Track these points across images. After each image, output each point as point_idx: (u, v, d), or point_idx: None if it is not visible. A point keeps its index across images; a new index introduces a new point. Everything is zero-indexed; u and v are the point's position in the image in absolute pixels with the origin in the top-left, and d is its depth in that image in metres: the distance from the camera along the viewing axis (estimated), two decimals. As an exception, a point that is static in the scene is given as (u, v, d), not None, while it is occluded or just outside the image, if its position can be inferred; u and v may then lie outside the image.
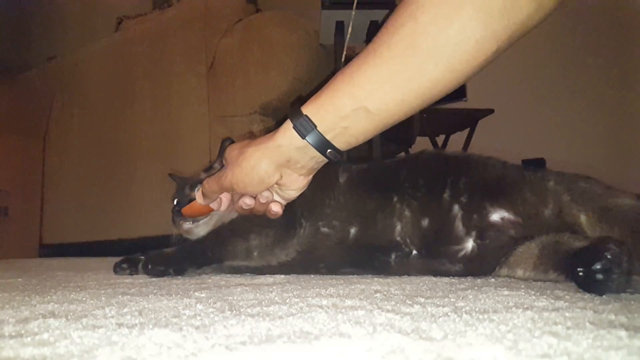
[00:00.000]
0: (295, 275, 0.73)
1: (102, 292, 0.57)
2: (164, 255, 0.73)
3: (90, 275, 0.82)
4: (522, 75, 2.76)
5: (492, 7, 0.48)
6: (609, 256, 0.47)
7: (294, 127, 0.58)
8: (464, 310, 0.40)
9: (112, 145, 1.84)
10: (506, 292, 0.49)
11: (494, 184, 0.67)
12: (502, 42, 0.50)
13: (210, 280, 0.67)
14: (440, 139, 2.54)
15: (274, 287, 0.57)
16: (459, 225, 0.66)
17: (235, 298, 0.49)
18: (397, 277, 0.67)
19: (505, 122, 2.44)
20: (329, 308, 0.42)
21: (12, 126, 2.13)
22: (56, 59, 2.23)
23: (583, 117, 2.69)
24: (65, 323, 0.38)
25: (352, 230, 0.72)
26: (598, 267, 0.47)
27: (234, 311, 0.42)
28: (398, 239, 0.69)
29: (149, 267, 0.71)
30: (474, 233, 0.66)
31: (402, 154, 2.11)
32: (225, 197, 0.71)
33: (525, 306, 0.41)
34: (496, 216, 0.65)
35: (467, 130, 2.39)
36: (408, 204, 0.70)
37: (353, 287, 0.56)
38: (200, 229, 0.79)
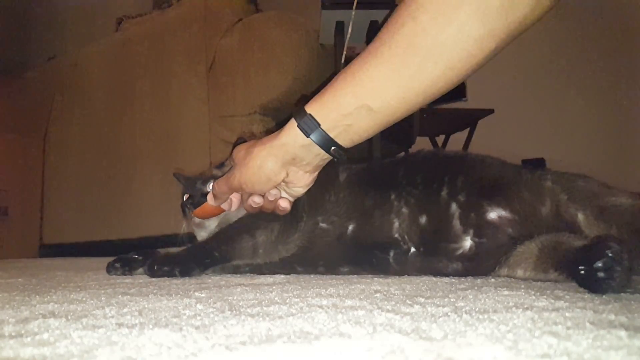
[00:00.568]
0: (295, 275, 0.73)
1: (102, 292, 0.57)
2: (170, 256, 0.73)
3: (90, 275, 0.82)
4: (522, 75, 2.76)
5: (491, 6, 0.49)
6: (610, 254, 0.47)
7: (298, 126, 0.59)
8: (464, 310, 0.40)
9: (112, 145, 1.84)
10: (506, 292, 0.49)
11: (492, 183, 0.68)
12: (501, 40, 0.51)
13: (210, 280, 0.67)
14: (440, 139, 2.54)
15: (274, 287, 0.57)
16: (457, 224, 0.67)
17: (235, 298, 0.49)
18: (397, 277, 0.67)
19: (505, 122, 2.44)
20: (329, 308, 0.42)
21: (12, 126, 2.13)
22: (56, 59, 2.23)
23: (583, 117, 2.69)
24: (65, 323, 0.38)
25: (350, 227, 0.73)
26: (599, 265, 0.47)
27: (234, 311, 0.42)
28: (396, 236, 0.70)
29: (155, 268, 0.70)
30: (471, 231, 0.66)
31: (402, 154, 2.11)
32: (235, 198, 0.72)
33: (525, 306, 0.41)
34: (493, 214, 0.66)
35: (467, 130, 2.39)
36: (406, 201, 0.70)
37: (353, 287, 0.56)
38: (212, 221, 0.79)
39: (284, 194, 0.68)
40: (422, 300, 0.46)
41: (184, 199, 0.82)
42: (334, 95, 0.58)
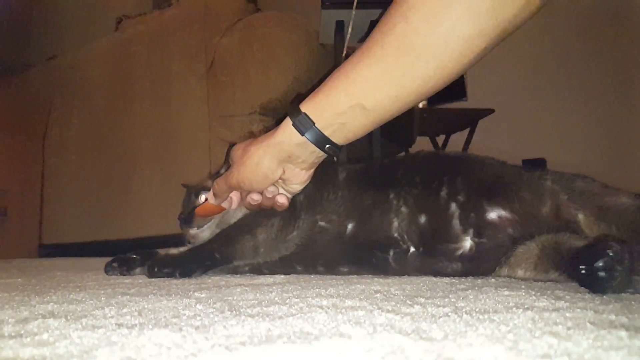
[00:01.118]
0: (295, 275, 0.73)
1: (102, 292, 0.57)
2: (171, 258, 0.73)
3: (90, 275, 0.82)
4: (522, 75, 2.76)
5: (481, 6, 0.49)
6: (611, 254, 0.47)
7: (293, 125, 0.61)
8: (464, 310, 0.40)
9: (112, 145, 1.84)
10: (506, 292, 0.49)
11: (491, 183, 0.68)
12: (491, 40, 0.52)
13: (210, 281, 0.67)
14: (440, 139, 2.54)
15: (274, 288, 0.57)
16: (457, 224, 0.67)
17: (235, 298, 0.49)
18: (397, 277, 0.67)
19: (505, 122, 2.44)
20: (329, 308, 0.42)
21: (12, 126, 2.13)
22: (56, 59, 2.23)
23: (583, 117, 2.69)
24: (65, 323, 0.38)
25: (350, 226, 0.73)
26: (600, 264, 0.47)
27: (234, 311, 0.42)
28: (395, 235, 0.70)
29: (155, 270, 0.70)
30: (471, 231, 0.66)
31: (402, 154, 2.11)
32: (235, 196, 0.74)
33: (525, 306, 0.41)
34: (493, 214, 0.66)
35: (467, 130, 2.39)
36: (405, 201, 0.71)
37: (353, 287, 0.56)
38: (205, 234, 0.80)
39: (281, 191, 0.70)
40: (423, 300, 0.46)
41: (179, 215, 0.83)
42: (328, 95, 0.59)
